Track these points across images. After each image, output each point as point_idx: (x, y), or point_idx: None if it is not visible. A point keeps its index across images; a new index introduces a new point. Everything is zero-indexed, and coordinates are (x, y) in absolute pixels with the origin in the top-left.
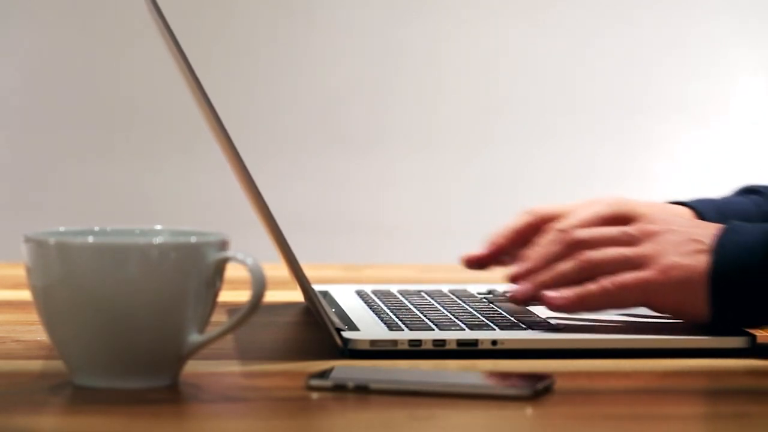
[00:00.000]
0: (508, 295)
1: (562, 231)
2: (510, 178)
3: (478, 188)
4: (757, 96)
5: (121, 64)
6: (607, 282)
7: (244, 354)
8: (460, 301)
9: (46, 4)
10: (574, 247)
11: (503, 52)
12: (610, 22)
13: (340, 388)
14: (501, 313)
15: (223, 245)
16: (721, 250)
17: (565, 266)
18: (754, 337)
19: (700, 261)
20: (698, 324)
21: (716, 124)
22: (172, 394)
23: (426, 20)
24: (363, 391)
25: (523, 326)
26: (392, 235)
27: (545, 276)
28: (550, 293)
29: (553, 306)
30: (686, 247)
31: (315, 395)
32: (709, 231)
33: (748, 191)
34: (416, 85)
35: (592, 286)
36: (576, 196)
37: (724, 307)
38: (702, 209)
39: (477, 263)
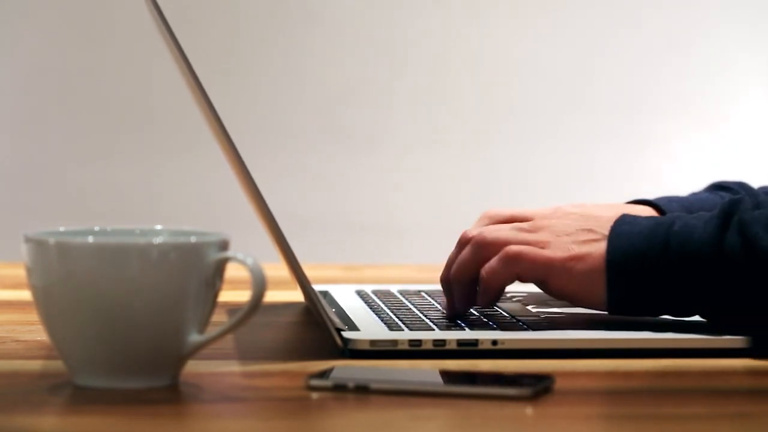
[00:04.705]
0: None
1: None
2: (512, 178)
3: (480, 188)
4: (758, 97)
5: (121, 63)
6: (510, 249)
7: (244, 354)
8: None
9: (47, 5)
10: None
11: (506, 53)
12: (612, 24)
13: (340, 388)
14: (501, 313)
15: (223, 245)
16: (615, 239)
17: (463, 254)
18: (754, 336)
19: (597, 249)
20: (697, 323)
21: (717, 125)
22: (172, 394)
23: (429, 20)
24: (363, 391)
25: (524, 326)
26: (393, 234)
27: (452, 271)
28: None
29: (481, 304)
30: (581, 236)
31: (315, 395)
32: (603, 221)
33: (718, 188)
34: (417, 85)
35: (493, 259)
36: (577, 195)
37: (621, 294)
38: (668, 208)
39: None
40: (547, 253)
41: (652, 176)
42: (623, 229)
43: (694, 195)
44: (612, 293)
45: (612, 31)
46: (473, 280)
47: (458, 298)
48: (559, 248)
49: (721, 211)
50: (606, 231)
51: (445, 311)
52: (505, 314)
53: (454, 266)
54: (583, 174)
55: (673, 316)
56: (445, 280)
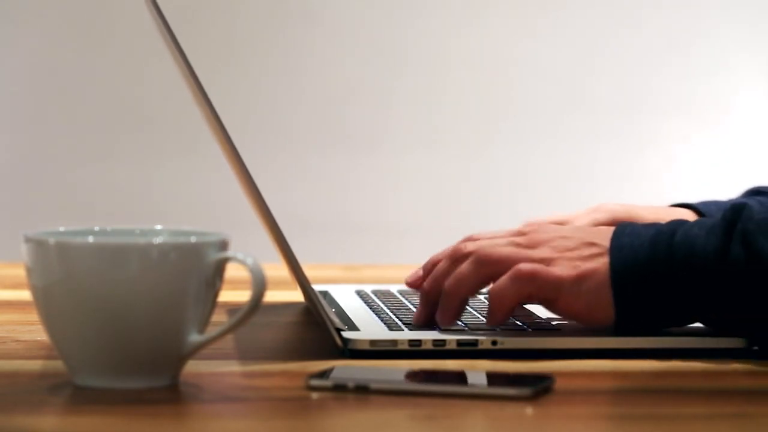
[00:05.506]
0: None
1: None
2: (512, 178)
3: (480, 188)
4: (758, 97)
5: (121, 64)
6: (523, 268)
7: (244, 354)
8: None
9: (47, 5)
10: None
11: (506, 53)
12: (612, 24)
13: (340, 388)
14: None
15: (223, 245)
16: (617, 252)
17: (463, 269)
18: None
19: (600, 263)
20: (702, 325)
21: (717, 125)
22: (172, 394)
23: (429, 20)
24: (363, 391)
25: (523, 326)
26: (393, 234)
27: (447, 284)
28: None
29: (491, 324)
30: (584, 251)
31: (315, 395)
32: (603, 234)
33: (755, 192)
34: (417, 85)
35: (503, 278)
36: (578, 196)
37: (627, 309)
38: (708, 212)
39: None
40: (557, 271)
41: (652, 176)
42: (624, 242)
43: (731, 200)
44: (618, 308)
45: (612, 31)
46: (468, 296)
47: (446, 311)
48: (566, 266)
49: (723, 220)
50: (607, 243)
51: (414, 319)
52: None
53: (451, 280)
54: (583, 174)
55: (676, 326)
56: (430, 290)
